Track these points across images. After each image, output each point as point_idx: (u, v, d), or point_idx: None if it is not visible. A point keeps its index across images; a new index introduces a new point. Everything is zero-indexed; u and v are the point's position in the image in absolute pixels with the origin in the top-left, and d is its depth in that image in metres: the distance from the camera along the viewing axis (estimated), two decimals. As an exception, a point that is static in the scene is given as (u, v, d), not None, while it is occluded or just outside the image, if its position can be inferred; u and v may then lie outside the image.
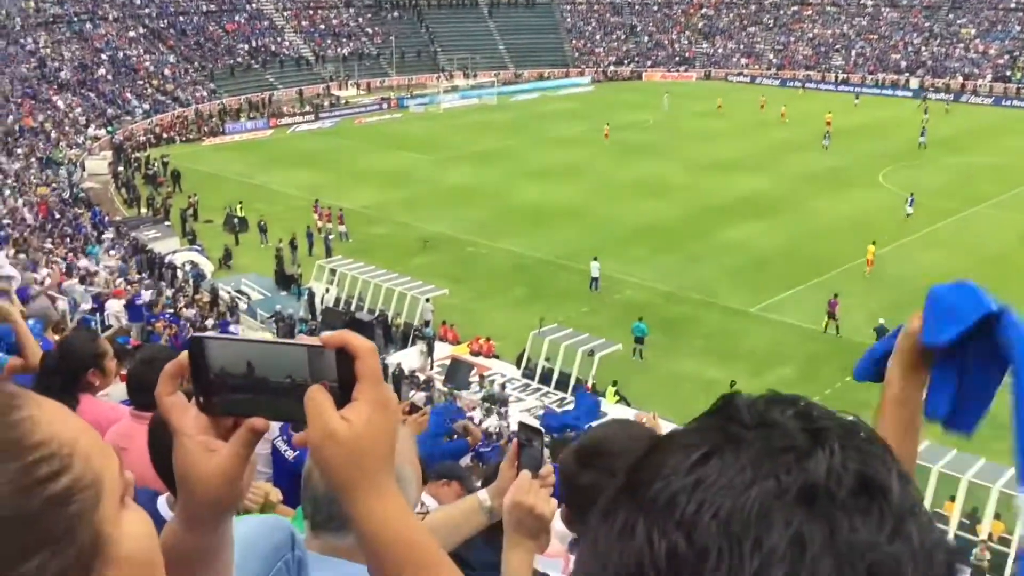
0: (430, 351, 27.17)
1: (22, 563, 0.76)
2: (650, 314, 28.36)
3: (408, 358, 26.59)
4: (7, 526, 0.75)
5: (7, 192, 36.78)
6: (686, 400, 21.44)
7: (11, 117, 49.60)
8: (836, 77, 77.87)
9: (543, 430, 2.49)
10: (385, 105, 65.66)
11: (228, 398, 1.07)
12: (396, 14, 79.80)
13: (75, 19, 62.75)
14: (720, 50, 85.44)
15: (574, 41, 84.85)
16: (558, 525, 4.49)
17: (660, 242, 35.78)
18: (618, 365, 25.59)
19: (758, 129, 56.94)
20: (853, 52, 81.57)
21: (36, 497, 0.78)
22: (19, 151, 45.53)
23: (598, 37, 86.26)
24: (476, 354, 27.22)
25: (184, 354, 1.08)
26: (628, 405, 23.33)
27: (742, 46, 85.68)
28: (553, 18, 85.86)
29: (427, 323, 28.51)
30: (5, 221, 30.51)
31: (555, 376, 25.77)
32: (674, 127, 57.72)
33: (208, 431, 1.08)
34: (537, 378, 26.10)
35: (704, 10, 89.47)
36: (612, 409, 23.15)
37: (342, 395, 1.05)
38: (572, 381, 25.41)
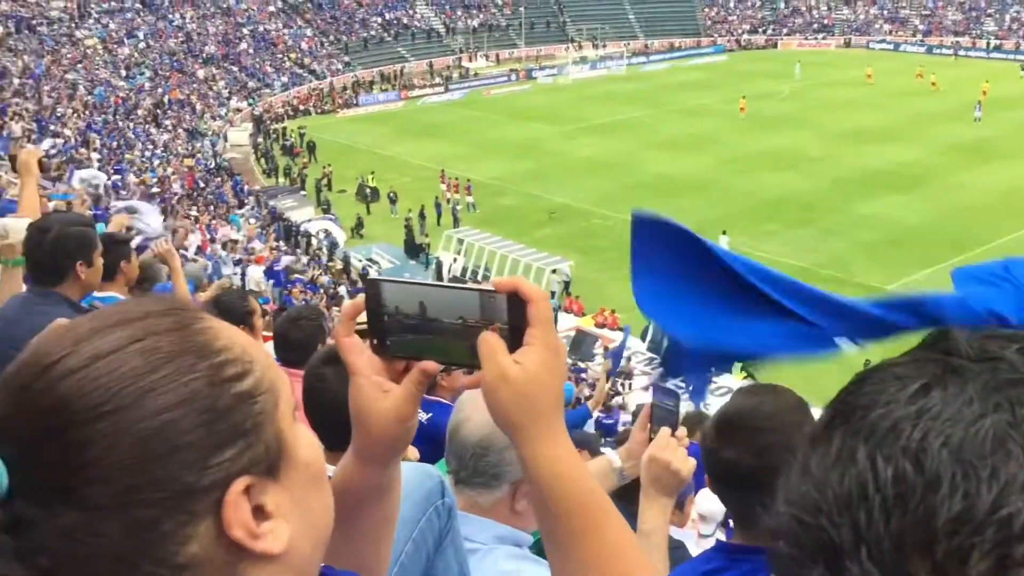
0: (555, 322, 27.23)
1: (220, 452, 0.82)
2: (781, 289, 27.63)
3: (532, 328, 26.71)
4: (204, 418, 0.82)
5: (156, 162, 38.73)
6: (816, 378, 20.67)
7: (160, 90, 52.12)
8: (988, 44, 73.42)
9: (679, 392, 2.46)
10: (514, 76, 65.80)
11: (401, 339, 1.10)
12: (526, -16, 79.81)
13: (219, -5, 65.31)
14: (861, 16, 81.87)
15: (706, 9, 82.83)
16: (702, 506, 4.45)
17: (793, 215, 34.75)
18: (746, 341, 25.06)
19: (901, 99, 54.34)
20: (1007, 16, 76.74)
21: (226, 393, 0.84)
22: (167, 123, 47.84)
23: (732, 4, 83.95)
24: (601, 326, 27.17)
25: (361, 296, 1.12)
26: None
27: (885, 11, 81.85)
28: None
29: (553, 294, 28.63)
30: (155, 190, 32.15)
31: (681, 350, 25.41)
32: (810, 97, 55.73)
33: (381, 373, 1.12)
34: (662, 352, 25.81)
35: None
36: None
37: (512, 339, 1.07)
38: (698, 356, 25.01)
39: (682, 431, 2.33)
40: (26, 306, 3.38)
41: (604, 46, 73.14)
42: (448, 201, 37.36)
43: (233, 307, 4.15)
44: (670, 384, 2.52)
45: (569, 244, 32.40)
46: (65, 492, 0.77)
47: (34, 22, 51.04)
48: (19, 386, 0.80)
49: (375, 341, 1.11)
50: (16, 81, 41.55)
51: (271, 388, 0.89)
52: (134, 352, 0.81)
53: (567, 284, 29.81)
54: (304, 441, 0.93)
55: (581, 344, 26.24)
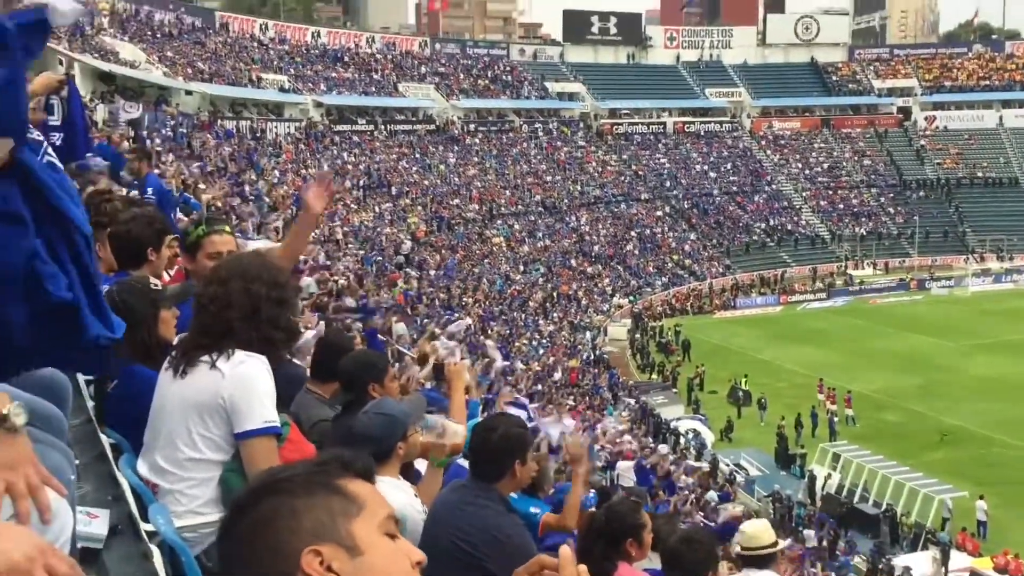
0: (945, 559, 24.32)
1: None
2: None
3: (918, 563, 24.08)
4: None
5: (541, 351, 41.36)
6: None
7: (550, 284, 56.24)
8: None
9: None
10: (904, 286, 62.61)
11: None
12: (922, 193, 76.58)
13: (613, 200, 70.14)
14: None
15: None
16: None
17: None
18: None
19: None
20: None
21: None
22: (554, 315, 51.21)
23: None
24: (1001, 571, 23.73)
25: None
26: None
27: None
28: (1111, 195, 75.72)
29: (944, 522, 25.98)
30: (538, 376, 34.21)
31: (1107, 616, 21.40)
32: None
33: None
34: (1082, 614, 21.89)
35: None
36: None
37: None
38: None
39: None
40: (474, 500, 3.69)
41: (1011, 258, 67.48)
42: (827, 412, 35.60)
43: (626, 519, 4.19)
44: None
45: (964, 473, 29.13)
46: None
47: (453, 222, 58.12)
48: None
49: None
50: (432, 272, 47.10)
51: None
52: None
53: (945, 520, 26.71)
54: None
55: (976, 590, 23.08)
